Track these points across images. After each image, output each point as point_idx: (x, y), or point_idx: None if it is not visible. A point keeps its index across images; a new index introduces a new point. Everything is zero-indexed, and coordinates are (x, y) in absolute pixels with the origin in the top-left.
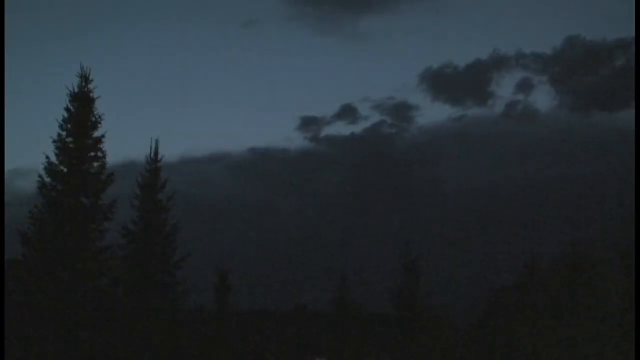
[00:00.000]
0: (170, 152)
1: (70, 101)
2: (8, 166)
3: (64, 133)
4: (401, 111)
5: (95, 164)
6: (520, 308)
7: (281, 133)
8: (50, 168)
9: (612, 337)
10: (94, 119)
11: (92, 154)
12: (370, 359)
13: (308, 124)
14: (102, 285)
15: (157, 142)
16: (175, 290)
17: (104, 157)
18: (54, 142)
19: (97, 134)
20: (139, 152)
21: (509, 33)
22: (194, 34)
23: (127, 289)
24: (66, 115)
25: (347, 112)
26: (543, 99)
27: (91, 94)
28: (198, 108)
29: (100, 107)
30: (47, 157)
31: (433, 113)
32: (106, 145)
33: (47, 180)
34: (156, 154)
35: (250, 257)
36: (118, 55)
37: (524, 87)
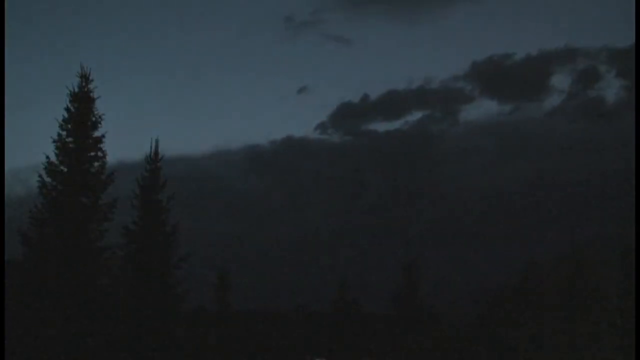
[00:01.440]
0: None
1: (70, 101)
2: (8, 166)
3: (64, 133)
4: (449, 103)
5: (95, 164)
6: (520, 308)
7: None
8: (50, 168)
9: (612, 337)
10: (94, 119)
11: (92, 153)
12: (370, 359)
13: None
14: (102, 285)
15: (157, 141)
16: (175, 290)
17: (104, 156)
18: (54, 141)
19: (97, 133)
20: (139, 152)
21: (580, 25)
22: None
23: (127, 289)
24: (66, 115)
25: (390, 104)
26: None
27: (91, 94)
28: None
29: (100, 107)
30: (47, 157)
31: (482, 107)
32: (106, 145)
33: (47, 180)
34: (156, 153)
35: (250, 257)
36: (118, 55)
37: (584, 82)
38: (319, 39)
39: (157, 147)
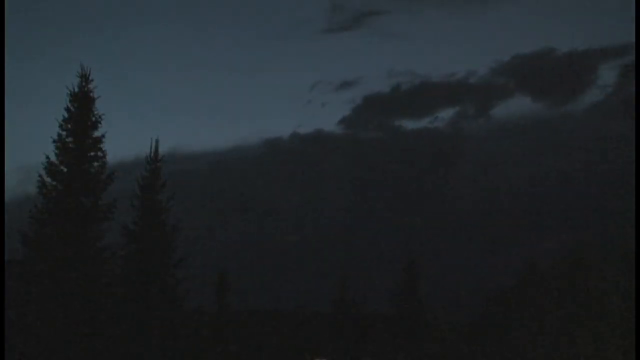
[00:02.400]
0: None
1: (70, 101)
2: (8, 166)
3: (64, 133)
4: (483, 99)
5: (95, 164)
6: (520, 308)
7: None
8: (50, 168)
9: (612, 337)
10: (93, 119)
11: (92, 153)
12: (370, 359)
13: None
14: (102, 285)
15: (157, 141)
16: (175, 290)
17: (104, 156)
18: (54, 141)
19: (97, 133)
20: (139, 152)
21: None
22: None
23: (127, 289)
24: (66, 115)
25: (421, 98)
26: None
27: (91, 94)
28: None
29: (100, 107)
30: (47, 157)
31: (519, 103)
32: (106, 145)
33: (47, 180)
34: (156, 153)
35: (250, 257)
36: (118, 55)
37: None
38: (356, 32)
39: (157, 147)
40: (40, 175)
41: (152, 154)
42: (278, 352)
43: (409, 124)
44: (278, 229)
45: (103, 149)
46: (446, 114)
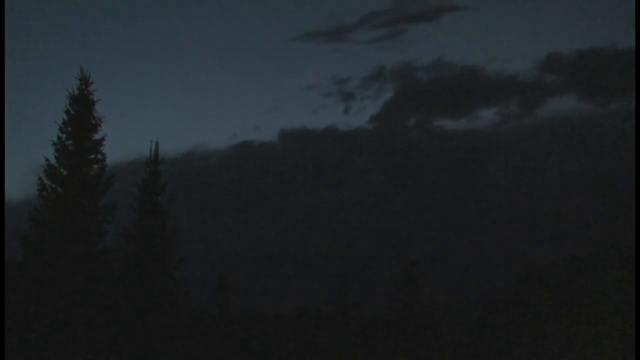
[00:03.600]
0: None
1: (70, 103)
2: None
3: (64, 135)
4: (527, 96)
5: (95, 166)
6: (520, 308)
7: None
8: (50, 170)
9: (612, 337)
10: (93, 122)
11: (92, 156)
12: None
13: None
14: (102, 287)
15: (157, 143)
16: (175, 291)
17: (104, 159)
18: (54, 144)
19: (96, 136)
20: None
21: None
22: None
23: (127, 290)
24: (66, 117)
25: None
26: None
27: (91, 97)
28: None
29: (100, 109)
30: (47, 160)
31: (563, 102)
32: (106, 147)
33: (47, 182)
34: (156, 155)
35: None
36: (118, 56)
37: None
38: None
39: (157, 148)
40: (40, 178)
41: (152, 156)
42: (278, 354)
43: (450, 123)
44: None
45: (103, 151)
46: (486, 113)
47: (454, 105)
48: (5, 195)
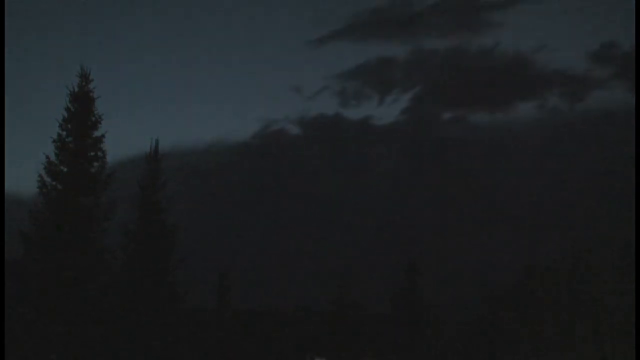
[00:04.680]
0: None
1: (70, 101)
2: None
3: (64, 133)
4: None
5: (95, 164)
6: (521, 308)
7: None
8: (50, 168)
9: (612, 337)
10: (93, 119)
11: (92, 153)
12: (370, 359)
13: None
14: (102, 284)
15: (157, 141)
16: (175, 290)
17: (104, 156)
18: (54, 141)
19: (97, 133)
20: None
21: None
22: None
23: (127, 289)
24: (66, 115)
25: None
26: None
27: (91, 94)
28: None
29: (100, 107)
30: (47, 157)
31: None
32: (106, 145)
33: (47, 179)
34: (156, 152)
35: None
36: (118, 55)
37: None
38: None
39: (157, 146)
40: (40, 175)
41: (152, 154)
42: (278, 351)
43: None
44: (278, 228)
45: (103, 148)
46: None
47: (493, 97)
48: (17, 191)
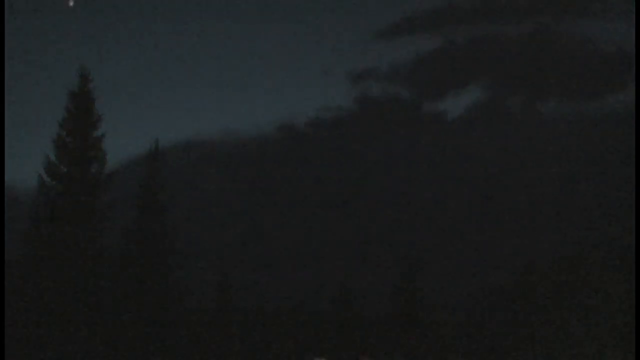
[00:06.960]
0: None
1: (70, 101)
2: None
3: (64, 133)
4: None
5: (95, 164)
6: (520, 308)
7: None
8: (50, 168)
9: (612, 337)
10: (93, 119)
11: (92, 153)
12: (370, 359)
13: None
14: (102, 284)
15: (157, 141)
16: (175, 289)
17: (104, 156)
18: (54, 141)
19: (96, 133)
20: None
21: None
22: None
23: (127, 289)
24: (66, 115)
25: None
26: None
27: (91, 94)
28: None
29: (100, 107)
30: (47, 157)
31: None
32: (106, 145)
33: (47, 180)
34: (156, 153)
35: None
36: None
37: None
38: None
39: (157, 146)
40: (40, 175)
41: (152, 154)
42: (278, 351)
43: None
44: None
45: (103, 149)
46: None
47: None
48: (17, 191)
